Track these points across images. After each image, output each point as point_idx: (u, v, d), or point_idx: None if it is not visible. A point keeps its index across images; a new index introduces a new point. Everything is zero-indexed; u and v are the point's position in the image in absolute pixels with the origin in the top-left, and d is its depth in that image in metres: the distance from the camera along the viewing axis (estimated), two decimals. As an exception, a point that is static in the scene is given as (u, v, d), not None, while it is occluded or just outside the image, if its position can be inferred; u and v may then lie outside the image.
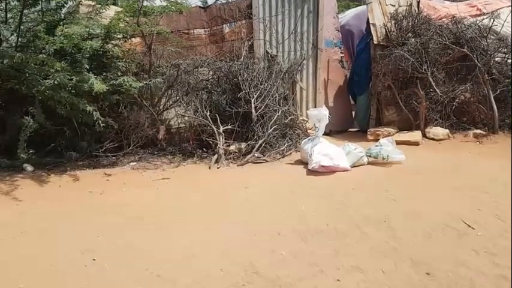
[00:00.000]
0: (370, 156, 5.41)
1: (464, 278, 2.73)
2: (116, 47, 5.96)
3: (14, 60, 5.01)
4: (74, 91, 5.27)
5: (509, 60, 6.86)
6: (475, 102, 6.88)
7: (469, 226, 3.44)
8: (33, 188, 4.89)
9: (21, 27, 5.55)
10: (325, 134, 5.97)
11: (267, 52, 7.30)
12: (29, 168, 5.47)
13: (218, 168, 5.58)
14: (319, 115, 5.53)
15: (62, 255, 3.20)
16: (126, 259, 3.13)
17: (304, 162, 5.52)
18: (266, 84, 6.52)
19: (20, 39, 5.58)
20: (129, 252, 3.23)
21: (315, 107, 7.43)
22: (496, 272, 2.78)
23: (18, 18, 5.48)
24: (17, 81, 5.34)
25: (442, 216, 3.65)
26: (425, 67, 6.68)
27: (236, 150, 5.96)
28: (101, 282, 2.83)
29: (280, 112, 6.33)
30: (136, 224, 3.78)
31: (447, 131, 6.66)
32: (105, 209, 4.20)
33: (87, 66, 5.42)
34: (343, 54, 8.09)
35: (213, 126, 6.09)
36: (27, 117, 5.33)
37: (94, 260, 3.11)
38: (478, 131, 6.59)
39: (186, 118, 6.53)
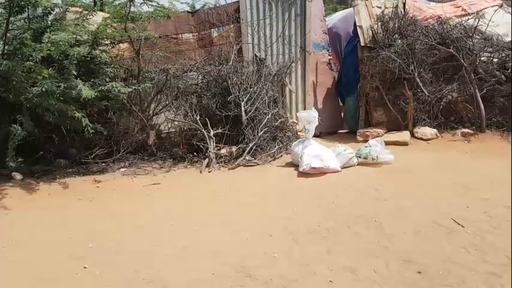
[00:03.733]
0: (360, 157, 5.44)
1: (454, 275, 2.76)
2: (103, 53, 5.93)
3: (1, 68, 4.96)
4: (62, 98, 5.22)
5: (495, 59, 6.96)
6: (462, 102, 6.96)
7: (459, 224, 3.48)
8: (23, 197, 4.83)
9: (8, 34, 5.50)
10: (315, 135, 6.00)
11: (256, 55, 7.33)
12: (18, 176, 5.41)
13: (209, 172, 5.57)
14: (309, 117, 5.55)
15: (52, 263, 3.17)
16: (118, 265, 3.11)
17: (295, 165, 5.54)
18: (255, 88, 6.55)
19: (6, 47, 5.52)
20: (120, 258, 3.21)
21: (305, 109, 7.46)
22: (486, 269, 2.82)
23: (5, 25, 5.43)
24: (4, 89, 5.29)
25: (432, 215, 3.68)
26: (412, 68, 6.74)
27: (227, 154, 5.96)
28: (92, 289, 2.82)
29: (270, 115, 6.35)
30: (127, 230, 3.76)
31: (435, 130, 6.72)
32: (95, 215, 4.17)
33: (74, 73, 5.38)
34: (331, 57, 8.14)
35: (203, 130, 6.08)
36: (15, 125, 5.26)
37: (85, 267, 3.09)
38: (466, 130, 6.66)
39: (176, 123, 6.52)
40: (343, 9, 11.45)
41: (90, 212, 4.30)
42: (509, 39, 6.95)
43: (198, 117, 6.22)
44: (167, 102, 6.53)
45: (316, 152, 5.26)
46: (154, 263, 3.12)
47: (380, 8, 7.47)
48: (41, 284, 2.89)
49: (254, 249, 3.26)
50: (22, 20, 5.83)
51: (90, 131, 5.33)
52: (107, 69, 5.90)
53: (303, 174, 5.15)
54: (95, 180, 5.35)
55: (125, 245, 3.44)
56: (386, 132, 6.95)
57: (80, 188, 5.11)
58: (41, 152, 5.81)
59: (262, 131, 6.12)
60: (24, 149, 5.64)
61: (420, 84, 6.76)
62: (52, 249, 3.43)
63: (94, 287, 2.84)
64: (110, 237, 3.59)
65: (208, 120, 6.24)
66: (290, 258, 3.09)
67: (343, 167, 5.28)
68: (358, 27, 7.34)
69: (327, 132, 7.71)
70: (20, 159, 5.60)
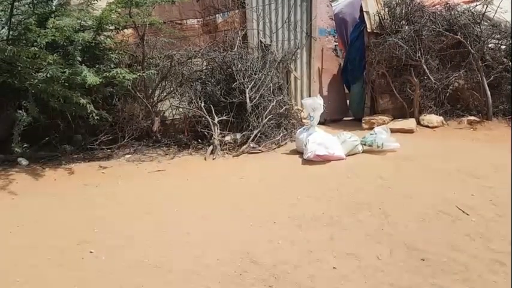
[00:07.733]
0: (365, 144, 5.42)
1: (458, 262, 2.77)
2: (108, 39, 5.91)
3: (6, 54, 4.96)
4: (67, 84, 5.23)
5: (503, 46, 6.87)
6: (468, 89, 6.89)
7: (464, 212, 3.48)
8: (28, 182, 4.87)
9: (12, 20, 5.48)
10: (320, 123, 5.97)
11: (261, 42, 7.27)
12: (24, 162, 5.45)
13: (214, 159, 5.57)
14: (314, 104, 5.52)
15: (58, 248, 3.21)
16: (123, 250, 3.14)
17: (299, 152, 5.53)
18: (260, 74, 6.50)
19: (11, 32, 5.51)
20: (126, 244, 3.24)
21: (310, 96, 7.42)
22: (490, 257, 2.82)
23: (9, 10, 5.41)
24: (9, 74, 5.28)
25: (436, 202, 3.68)
26: (419, 54, 6.67)
27: (231, 141, 5.95)
28: (98, 273, 2.85)
29: (274, 102, 6.31)
30: (133, 216, 3.79)
31: (441, 118, 6.68)
32: (101, 201, 4.20)
33: (79, 59, 5.37)
34: (337, 43, 8.07)
35: (207, 117, 6.07)
36: (20, 111, 5.29)
37: (91, 252, 3.13)
38: (472, 118, 6.61)
39: (181, 109, 6.50)
40: (350, -6, 11.28)
41: (95, 198, 4.32)
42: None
43: (202, 104, 6.20)
44: (172, 89, 6.51)
45: (320, 140, 5.24)
46: (159, 249, 3.14)
47: (387, -7, 7.36)
48: (48, 269, 2.93)
49: (258, 236, 3.28)
50: (26, 5, 5.80)
51: (95, 118, 5.34)
52: (111, 55, 5.89)
53: (308, 161, 5.14)
54: (100, 167, 5.38)
55: (131, 230, 3.47)
56: (392, 120, 6.92)
57: (85, 174, 5.14)
58: (47, 138, 5.83)
59: (267, 118, 6.10)
60: (30, 135, 5.66)
61: (427, 71, 6.69)
62: (58, 234, 3.46)
63: (100, 272, 2.87)
64: (116, 223, 3.63)
65: (212, 107, 6.21)
66: (294, 245, 3.11)
67: (348, 155, 5.27)
68: (364, 13, 7.25)
69: (332, 119, 7.68)
70: (25, 145, 5.61)
